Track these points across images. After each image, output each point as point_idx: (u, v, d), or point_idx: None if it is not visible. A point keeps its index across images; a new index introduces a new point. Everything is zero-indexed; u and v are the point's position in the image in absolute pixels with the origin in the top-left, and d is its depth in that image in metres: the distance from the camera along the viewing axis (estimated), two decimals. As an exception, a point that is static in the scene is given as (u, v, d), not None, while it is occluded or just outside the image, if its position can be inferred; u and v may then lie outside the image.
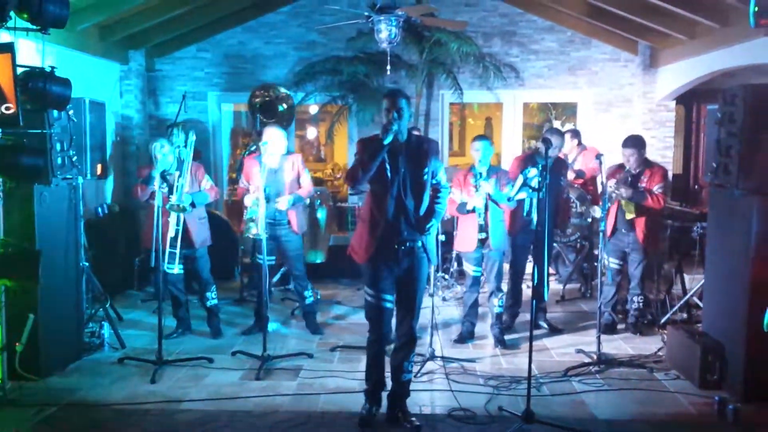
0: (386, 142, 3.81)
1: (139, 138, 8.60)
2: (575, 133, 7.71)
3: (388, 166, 3.91)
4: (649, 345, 5.67)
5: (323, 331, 6.13)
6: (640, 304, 6.04)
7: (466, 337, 5.83)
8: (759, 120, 4.43)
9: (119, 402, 4.51)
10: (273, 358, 5.19)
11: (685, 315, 6.26)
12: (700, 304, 5.78)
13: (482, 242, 5.55)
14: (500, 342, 5.71)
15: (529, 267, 6.22)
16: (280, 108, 7.86)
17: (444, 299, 7.29)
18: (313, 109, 10.60)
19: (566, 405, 4.49)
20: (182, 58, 8.94)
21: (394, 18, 6.51)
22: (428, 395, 4.64)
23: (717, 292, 4.98)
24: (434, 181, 4.11)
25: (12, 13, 4.20)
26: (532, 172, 5.68)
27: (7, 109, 4.19)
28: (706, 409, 4.41)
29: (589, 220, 7.13)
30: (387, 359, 4.23)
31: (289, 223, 5.86)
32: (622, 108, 8.85)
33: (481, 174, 5.48)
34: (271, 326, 6.06)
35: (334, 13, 8.11)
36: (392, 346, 4.24)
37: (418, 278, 4.10)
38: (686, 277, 6.57)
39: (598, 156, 5.51)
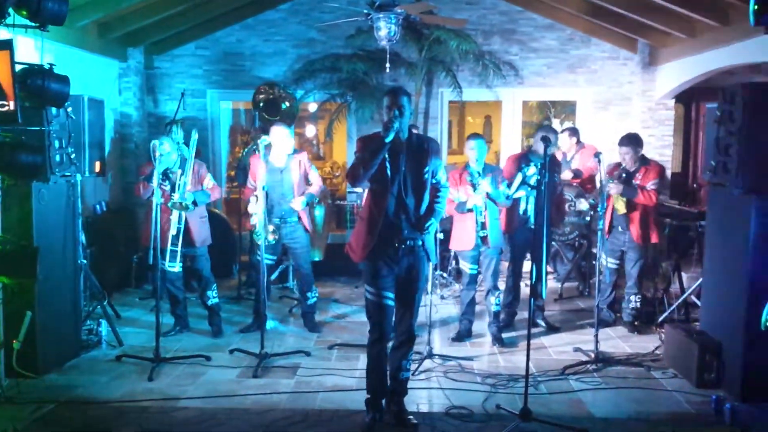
0: (388, 139, 3.79)
1: (138, 135, 8.59)
2: (573, 131, 7.70)
3: (388, 165, 3.89)
4: (647, 343, 5.67)
5: (321, 329, 6.13)
6: (638, 303, 6.04)
7: (464, 335, 5.84)
8: (758, 119, 4.43)
9: (117, 399, 4.51)
10: (271, 356, 5.19)
11: (683, 313, 6.25)
12: (698, 303, 5.78)
13: (483, 240, 5.55)
14: (498, 340, 5.71)
15: (527, 265, 6.21)
16: (283, 106, 7.85)
17: (442, 297, 7.30)
18: (312, 107, 10.59)
19: (564, 403, 4.50)
20: (181, 56, 8.92)
21: (394, 15, 6.50)
22: (426, 393, 4.65)
23: (715, 290, 4.98)
24: (434, 181, 4.10)
25: (11, 10, 4.19)
26: (531, 170, 5.72)
27: (2, 106, 4.19)
28: (704, 407, 4.41)
29: (588, 218, 7.14)
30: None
31: (299, 220, 5.87)
32: (621, 106, 8.84)
33: (479, 173, 5.47)
34: (269, 324, 6.07)
35: (333, 11, 8.09)
36: (390, 343, 4.24)
37: (419, 277, 4.09)
38: (684, 275, 6.57)
39: (597, 154, 5.52)
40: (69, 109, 5.08)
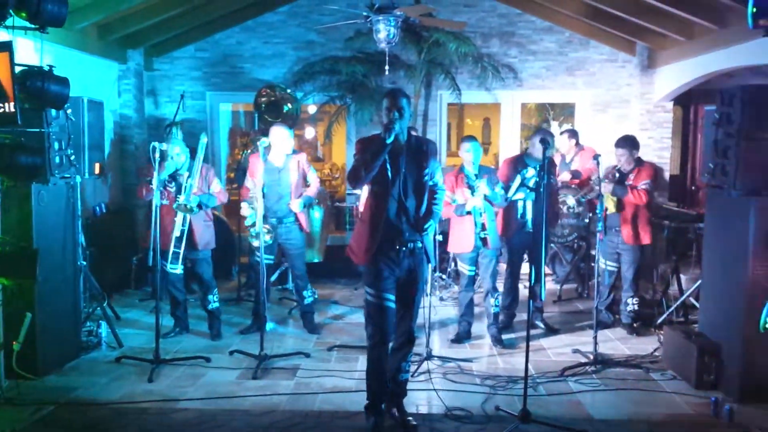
0: (389, 141, 3.79)
1: (138, 137, 8.59)
2: (573, 133, 7.72)
3: (389, 167, 3.89)
4: (646, 345, 5.68)
5: (320, 331, 6.14)
6: (635, 305, 6.05)
7: (463, 336, 5.85)
8: (757, 121, 4.45)
9: (116, 401, 4.51)
10: (270, 358, 5.19)
11: (681, 315, 6.26)
12: (697, 305, 5.79)
13: (484, 241, 5.56)
14: (498, 341, 5.72)
15: (525, 267, 6.23)
16: (285, 108, 7.86)
17: (441, 299, 7.31)
18: (312, 109, 10.60)
19: (563, 405, 4.50)
20: (180, 58, 8.93)
21: (393, 18, 6.51)
22: (425, 395, 4.65)
23: (714, 292, 4.99)
24: (432, 183, 4.10)
25: (10, 11, 4.20)
26: (530, 172, 5.74)
27: (2, 108, 4.19)
28: (703, 409, 4.42)
29: (587, 220, 7.15)
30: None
31: (296, 221, 5.89)
32: (620, 109, 8.86)
33: (475, 175, 5.49)
34: (268, 326, 6.07)
35: (332, 13, 8.11)
36: (390, 345, 4.24)
37: (419, 279, 4.08)
38: (683, 277, 6.58)
39: (596, 156, 5.54)
40: (69, 111, 5.09)
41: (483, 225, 5.55)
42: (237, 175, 7.81)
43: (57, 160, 4.96)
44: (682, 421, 4.31)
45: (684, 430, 4.22)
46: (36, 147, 4.69)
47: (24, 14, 4.32)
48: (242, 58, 8.91)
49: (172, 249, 5.61)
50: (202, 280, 5.92)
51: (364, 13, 6.61)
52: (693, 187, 9.47)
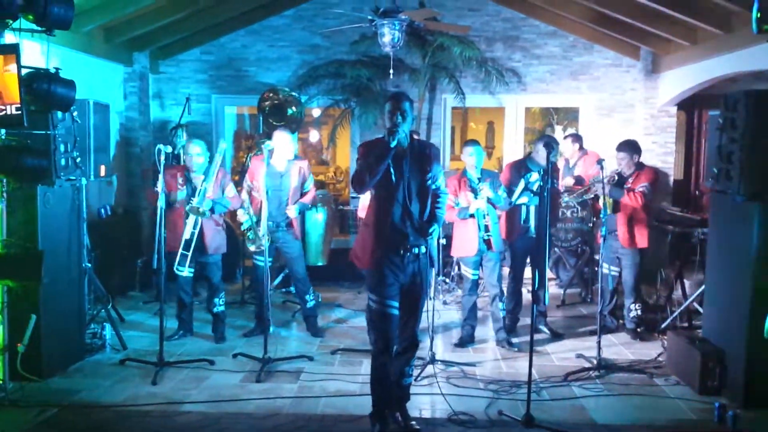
0: (393, 145, 3.78)
1: (143, 140, 8.61)
2: (576, 138, 7.71)
3: (392, 171, 3.87)
4: (649, 350, 5.68)
5: (324, 334, 6.15)
6: (638, 311, 6.04)
7: (467, 340, 5.85)
8: (761, 126, 4.44)
9: (120, 403, 4.52)
10: (274, 361, 5.20)
11: (685, 320, 6.25)
12: (701, 310, 5.78)
13: (487, 243, 5.55)
14: (509, 343, 5.73)
15: (528, 271, 6.23)
16: (290, 111, 7.88)
17: (444, 303, 7.30)
18: (316, 113, 10.62)
19: (566, 410, 4.50)
20: (186, 61, 8.97)
21: (398, 22, 6.53)
22: (428, 399, 4.65)
23: (717, 298, 4.98)
24: (434, 186, 4.09)
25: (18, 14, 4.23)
26: (534, 176, 5.75)
27: (5, 110, 4.21)
28: (706, 415, 4.41)
29: (590, 225, 7.15)
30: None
31: (290, 226, 5.90)
32: (624, 113, 8.86)
33: (478, 178, 5.50)
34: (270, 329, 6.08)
35: (337, 17, 8.11)
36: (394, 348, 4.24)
37: (423, 284, 4.05)
38: (686, 282, 6.57)
39: (600, 161, 5.54)
40: (74, 113, 5.10)
41: (486, 227, 5.55)
42: (242, 178, 7.83)
43: (63, 162, 4.98)
44: (686, 427, 4.30)
45: (687, 436, 4.22)
46: (42, 149, 4.70)
47: (31, 17, 4.35)
48: (247, 61, 8.94)
49: (180, 251, 5.63)
50: (211, 283, 5.94)
51: (369, 17, 6.62)
52: (697, 192, 9.44)
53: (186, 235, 5.62)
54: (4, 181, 4.54)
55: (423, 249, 4.00)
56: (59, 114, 4.90)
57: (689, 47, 7.47)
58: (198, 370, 5.18)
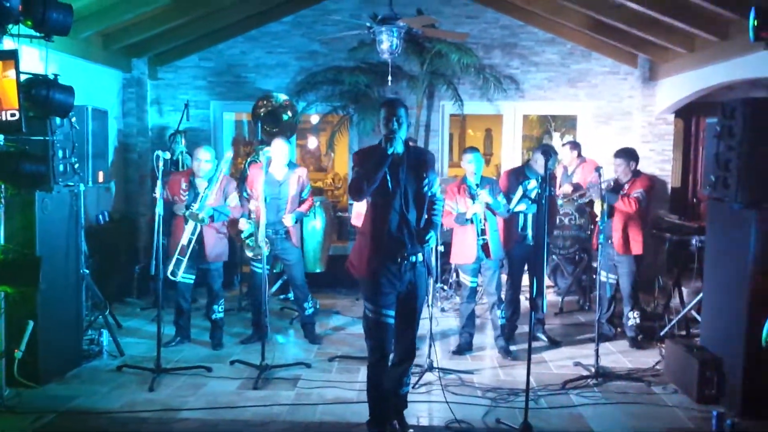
0: (390, 151, 3.77)
1: (141, 146, 8.62)
2: (575, 145, 7.73)
3: (389, 178, 3.84)
4: (647, 358, 5.67)
5: (321, 341, 6.14)
6: (637, 318, 6.04)
7: (465, 348, 5.84)
8: (758, 134, 4.45)
9: (117, 410, 4.51)
10: (271, 368, 5.19)
11: (683, 328, 6.25)
12: (699, 318, 5.78)
13: (485, 249, 5.55)
14: (508, 352, 5.72)
15: (525, 279, 6.23)
16: (285, 117, 7.89)
17: (443, 310, 7.30)
18: (314, 119, 10.62)
19: (564, 418, 4.50)
20: (185, 67, 8.97)
21: (396, 29, 6.54)
22: (426, 407, 4.65)
23: (715, 305, 4.99)
24: (431, 193, 4.05)
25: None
26: (532, 183, 5.75)
27: (4, 116, 4.21)
28: (704, 423, 4.41)
29: (588, 232, 7.16)
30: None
31: (287, 234, 5.90)
32: (622, 121, 8.88)
33: (476, 185, 5.51)
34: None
35: (336, 24, 8.16)
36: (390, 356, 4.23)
37: (420, 292, 4.03)
38: (684, 290, 6.57)
39: (598, 168, 5.56)
40: (73, 119, 5.10)
41: (483, 230, 5.54)
42: (240, 184, 7.83)
43: (61, 168, 4.98)
44: (684, 435, 4.31)
45: (685, 444, 4.22)
46: (40, 155, 4.69)
47: (30, 22, 4.34)
48: (246, 67, 8.95)
49: (175, 257, 5.61)
50: (212, 290, 5.93)
51: (368, 24, 6.64)
52: (694, 200, 9.46)
53: (183, 241, 5.62)
54: (2, 186, 4.52)
55: (420, 257, 3.97)
56: (58, 120, 4.90)
57: (687, 55, 7.50)
58: (195, 376, 5.17)
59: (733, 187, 4.57)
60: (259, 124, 7.74)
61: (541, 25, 8.79)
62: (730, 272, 4.73)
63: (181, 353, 5.75)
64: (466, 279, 5.76)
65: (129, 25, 7.56)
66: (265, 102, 7.88)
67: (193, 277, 5.84)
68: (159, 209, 5.15)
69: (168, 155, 5.47)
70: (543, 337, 6.18)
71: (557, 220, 7.08)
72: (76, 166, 5.21)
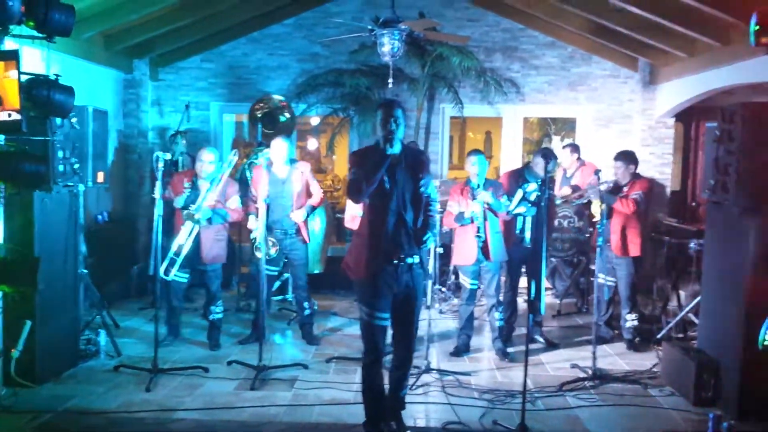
0: (389, 152, 3.77)
1: (142, 147, 8.64)
2: (575, 148, 7.73)
3: (386, 179, 3.82)
4: (644, 361, 5.67)
5: (319, 342, 6.14)
6: (635, 321, 6.05)
7: (462, 350, 5.84)
8: (758, 138, 4.45)
9: (114, 410, 4.51)
10: (268, 369, 5.18)
11: (680, 331, 6.25)
12: (696, 321, 5.78)
13: (483, 251, 5.54)
14: (505, 354, 5.72)
15: (523, 281, 6.24)
16: (282, 118, 7.90)
17: (441, 312, 7.30)
18: (315, 121, 10.64)
19: (560, 420, 4.50)
20: (186, 68, 8.99)
21: (397, 32, 6.55)
22: (423, 408, 4.65)
23: (713, 308, 4.99)
24: (426, 194, 4.03)
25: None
26: (531, 186, 5.76)
27: (5, 116, 4.22)
28: (700, 426, 4.39)
29: (587, 235, 7.16)
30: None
31: (298, 232, 5.91)
32: (622, 124, 8.89)
33: (478, 185, 5.51)
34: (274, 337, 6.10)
35: (337, 26, 8.15)
36: (388, 357, 4.23)
37: (417, 294, 4.01)
38: (682, 293, 6.57)
39: (597, 171, 5.56)
40: (73, 120, 5.11)
41: (479, 228, 5.53)
42: (242, 186, 7.84)
43: (61, 168, 4.98)
44: (680, 438, 4.31)
45: (682, 447, 4.22)
46: (40, 155, 4.69)
47: (31, 23, 4.36)
48: (247, 69, 8.97)
49: (170, 255, 5.60)
50: (209, 291, 5.93)
51: (369, 27, 6.65)
52: (693, 203, 9.46)
53: (180, 240, 5.61)
54: (2, 186, 4.54)
55: (416, 259, 3.95)
56: (58, 120, 4.91)
57: (687, 59, 7.50)
58: (192, 377, 5.17)
59: (732, 191, 4.57)
60: (259, 126, 7.76)
61: (541, 29, 8.81)
62: (727, 275, 4.73)
63: (178, 353, 5.75)
64: (465, 281, 5.76)
65: (131, 26, 7.59)
66: (262, 104, 7.90)
67: (187, 276, 5.83)
68: (158, 210, 5.16)
69: (168, 156, 5.47)
70: (540, 339, 6.18)
71: (556, 223, 7.09)
72: (76, 166, 5.21)
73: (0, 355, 4.59)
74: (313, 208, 6.08)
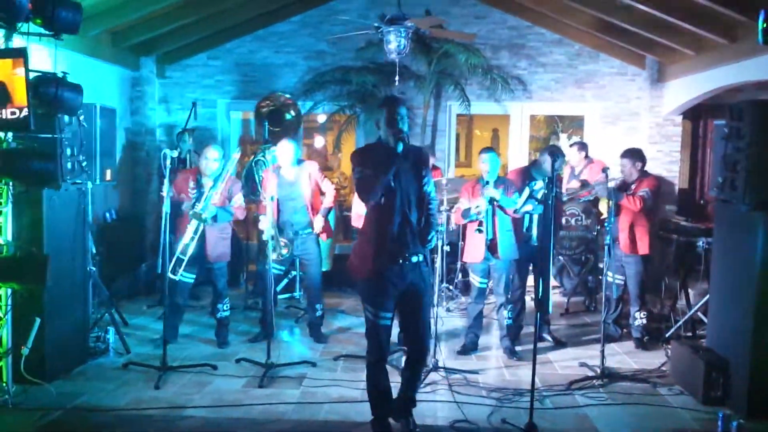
0: (400, 150, 3.74)
1: (149, 144, 8.66)
2: (582, 146, 7.72)
3: (391, 178, 3.81)
4: (653, 360, 5.65)
5: (327, 340, 6.14)
6: (644, 319, 6.03)
7: (470, 348, 5.83)
8: (766, 136, 4.43)
9: (123, 407, 4.53)
10: (277, 366, 5.19)
11: (689, 330, 6.23)
12: (705, 320, 5.76)
13: (489, 247, 5.53)
14: (513, 353, 5.70)
15: (530, 279, 6.23)
16: (288, 116, 7.90)
17: (448, 310, 7.29)
18: (322, 118, 10.63)
19: (569, 418, 4.49)
20: (193, 66, 9.00)
21: (404, 29, 6.54)
22: (431, 406, 4.64)
23: (722, 307, 4.97)
24: (427, 192, 4.02)
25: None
26: (539, 184, 5.75)
27: (13, 114, 4.23)
28: (710, 425, 4.38)
29: (594, 233, 7.14)
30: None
31: (310, 234, 5.95)
32: (629, 122, 8.86)
33: (487, 182, 5.51)
34: (284, 335, 6.09)
35: (343, 24, 8.16)
36: (395, 355, 4.22)
37: (423, 292, 4.00)
38: (691, 291, 6.55)
39: (605, 169, 5.55)
40: (81, 117, 5.12)
41: (480, 222, 5.53)
42: (245, 183, 7.85)
43: (69, 166, 4.98)
44: (689, 436, 4.29)
45: (691, 446, 4.20)
46: (48, 153, 4.70)
47: (39, 21, 4.37)
48: (254, 66, 8.97)
49: (177, 255, 5.61)
50: (216, 289, 5.93)
51: (375, 24, 6.64)
52: (702, 201, 9.42)
53: (186, 240, 5.62)
54: (11, 184, 4.56)
55: (421, 257, 3.94)
56: (66, 118, 4.91)
57: (694, 56, 7.47)
58: (201, 374, 5.18)
59: (740, 188, 4.55)
60: (266, 124, 7.76)
61: (548, 26, 8.78)
62: (736, 274, 4.71)
63: (187, 351, 5.76)
64: (475, 279, 5.75)
65: (137, 23, 7.60)
66: (268, 102, 7.90)
67: (194, 276, 5.82)
68: (166, 208, 5.16)
69: (175, 154, 5.48)
70: (548, 337, 6.17)
71: (564, 221, 7.08)
72: (84, 164, 5.22)
73: (9, 352, 4.61)
74: (329, 210, 6.07)
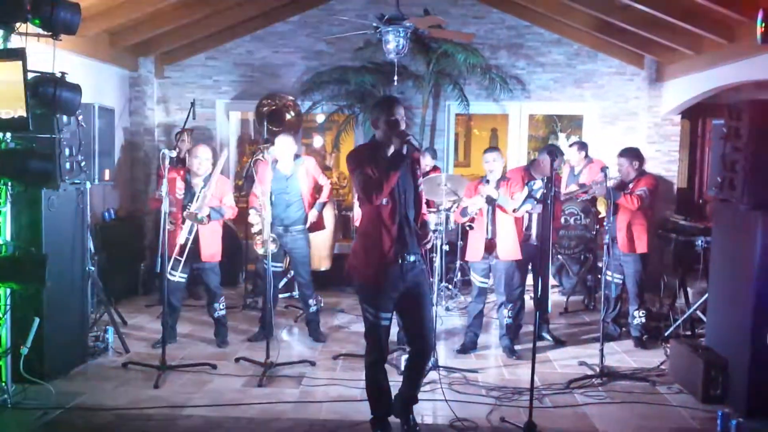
0: (405, 151, 3.73)
1: (148, 144, 8.66)
2: (582, 146, 7.72)
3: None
4: (652, 358, 5.66)
5: (326, 339, 6.14)
6: (643, 318, 6.04)
7: (469, 347, 5.84)
8: (764, 135, 4.44)
9: (122, 406, 4.52)
10: (276, 366, 5.19)
11: (688, 328, 6.24)
12: (704, 318, 5.77)
13: (487, 246, 5.54)
14: (512, 352, 5.70)
15: (530, 278, 6.23)
16: (288, 116, 7.90)
17: (447, 309, 7.29)
18: (320, 118, 10.64)
19: (568, 417, 4.49)
20: (191, 66, 9.00)
21: (402, 29, 6.54)
22: (430, 405, 4.64)
23: (721, 306, 4.98)
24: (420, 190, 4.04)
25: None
26: (538, 184, 5.74)
27: (20, 113, 4.23)
28: (709, 423, 4.39)
29: (593, 232, 7.15)
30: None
31: (300, 230, 5.95)
32: (628, 121, 8.87)
33: (487, 180, 5.51)
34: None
35: (342, 24, 8.16)
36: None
37: (425, 291, 4.01)
38: (690, 290, 6.56)
39: (604, 169, 5.55)
40: (80, 118, 5.12)
41: (473, 219, 5.55)
42: (245, 182, 7.85)
43: (67, 166, 4.98)
44: (688, 435, 4.30)
45: (690, 445, 4.21)
46: (47, 153, 4.69)
47: (37, 21, 4.37)
48: (252, 66, 8.97)
49: (174, 256, 5.60)
50: (209, 289, 5.92)
51: (374, 24, 6.64)
52: (700, 201, 9.44)
53: (181, 240, 5.61)
54: (9, 184, 4.55)
55: (418, 256, 3.95)
56: (64, 118, 4.91)
57: (693, 56, 7.48)
58: (200, 374, 5.18)
59: (739, 188, 4.56)
60: (266, 123, 7.77)
61: (547, 26, 8.79)
62: (735, 273, 4.72)
63: (186, 350, 5.76)
64: (475, 278, 5.76)
65: (136, 23, 7.59)
66: (268, 102, 7.90)
67: (186, 276, 5.81)
68: (164, 207, 5.16)
69: (174, 154, 5.47)
70: (548, 336, 6.18)
71: (563, 220, 7.08)
72: (83, 164, 5.22)
73: (8, 352, 4.61)
74: (324, 204, 6.09)
